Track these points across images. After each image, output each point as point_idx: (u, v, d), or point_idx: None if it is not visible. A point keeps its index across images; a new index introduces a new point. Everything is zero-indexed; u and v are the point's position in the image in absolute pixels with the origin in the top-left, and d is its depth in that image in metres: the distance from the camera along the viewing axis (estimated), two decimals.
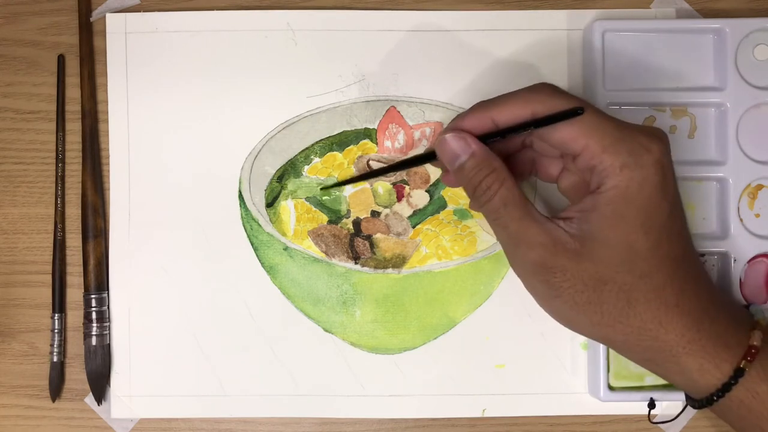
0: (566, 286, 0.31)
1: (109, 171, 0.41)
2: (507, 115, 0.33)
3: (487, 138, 0.33)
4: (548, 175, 0.36)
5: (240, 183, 0.40)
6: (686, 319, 0.31)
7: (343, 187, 0.40)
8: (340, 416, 0.40)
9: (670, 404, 0.40)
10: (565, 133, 0.32)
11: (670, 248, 0.31)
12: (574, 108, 0.31)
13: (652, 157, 0.31)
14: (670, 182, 0.32)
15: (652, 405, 0.38)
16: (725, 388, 0.31)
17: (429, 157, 0.36)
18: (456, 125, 0.34)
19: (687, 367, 0.31)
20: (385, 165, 0.40)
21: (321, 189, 0.40)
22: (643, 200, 0.31)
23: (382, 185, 0.40)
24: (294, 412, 0.40)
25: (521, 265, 0.33)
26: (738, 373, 0.31)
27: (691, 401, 0.33)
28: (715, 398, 0.31)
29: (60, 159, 0.41)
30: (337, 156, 0.41)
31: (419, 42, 0.41)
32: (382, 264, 0.40)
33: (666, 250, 0.31)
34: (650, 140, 0.31)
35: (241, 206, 0.40)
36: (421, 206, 0.40)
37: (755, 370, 0.31)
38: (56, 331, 0.40)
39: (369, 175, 0.39)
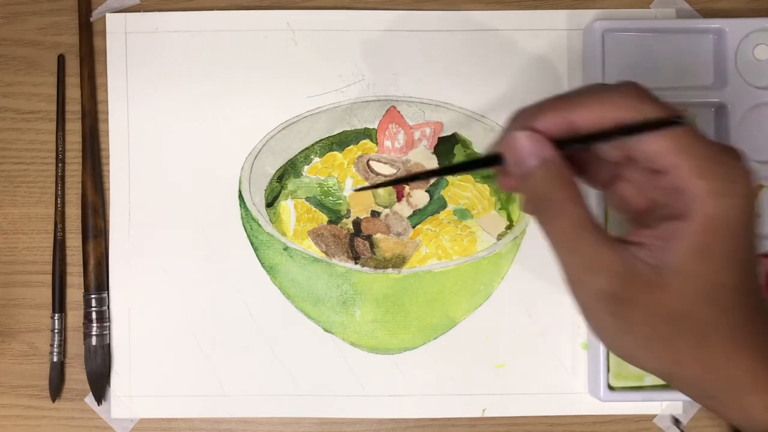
0: (638, 320, 0.28)
1: (109, 171, 0.41)
2: (587, 119, 0.28)
3: (565, 144, 0.28)
4: (598, 181, 0.31)
5: (240, 183, 0.40)
6: (757, 353, 0.28)
7: (343, 186, 0.40)
8: (340, 416, 0.40)
9: (670, 404, 0.40)
10: (654, 146, 0.28)
11: (751, 282, 0.29)
12: (671, 117, 0.27)
13: (743, 187, 0.27)
14: (754, 215, 0.28)
15: (677, 422, 0.37)
16: None
17: (488, 161, 0.30)
18: (528, 124, 0.29)
19: (749, 405, 0.29)
20: (431, 169, 0.36)
21: (355, 190, 0.40)
22: (732, 234, 0.28)
23: None
24: (294, 412, 0.40)
25: (588, 294, 0.29)
26: None
27: None
28: None
29: (60, 159, 0.41)
30: (337, 156, 0.41)
31: (419, 42, 0.41)
32: (382, 264, 0.40)
33: (748, 285, 0.29)
34: (742, 168, 0.28)
35: (241, 206, 0.40)
36: (421, 206, 0.40)
37: None
38: (56, 331, 0.40)
39: (413, 177, 0.37)
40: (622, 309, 0.28)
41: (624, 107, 0.28)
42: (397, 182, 0.36)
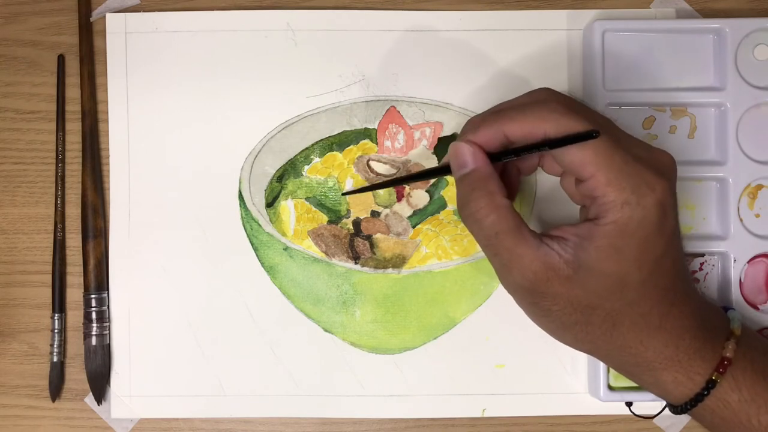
0: (555, 309, 0.32)
1: (109, 171, 0.41)
2: (519, 132, 0.32)
3: (501, 156, 0.33)
4: (553, 170, 0.36)
5: (240, 183, 0.40)
6: (666, 337, 0.32)
7: (343, 187, 0.40)
8: (340, 416, 0.40)
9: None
10: (575, 157, 0.31)
11: (660, 279, 0.32)
12: (589, 131, 0.31)
13: (654, 197, 0.31)
14: (670, 219, 0.32)
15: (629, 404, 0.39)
16: (697, 399, 0.32)
17: (447, 169, 0.35)
18: (471, 137, 0.33)
19: (662, 380, 0.32)
20: (393, 174, 0.40)
21: (342, 194, 0.40)
22: (640, 238, 0.31)
23: None
24: (294, 412, 0.40)
25: (512, 288, 0.33)
26: (710, 385, 0.32)
27: (671, 407, 0.34)
28: (688, 407, 0.32)
29: (60, 159, 0.41)
30: (337, 156, 0.41)
31: (419, 42, 0.41)
32: (382, 264, 0.40)
33: (656, 281, 0.32)
34: (657, 178, 0.31)
35: (241, 206, 0.40)
36: (421, 206, 0.40)
37: (727, 381, 0.32)
38: (56, 331, 0.40)
39: (389, 183, 0.38)
40: (540, 299, 0.32)
41: (549, 121, 0.31)
42: (372, 188, 0.39)
